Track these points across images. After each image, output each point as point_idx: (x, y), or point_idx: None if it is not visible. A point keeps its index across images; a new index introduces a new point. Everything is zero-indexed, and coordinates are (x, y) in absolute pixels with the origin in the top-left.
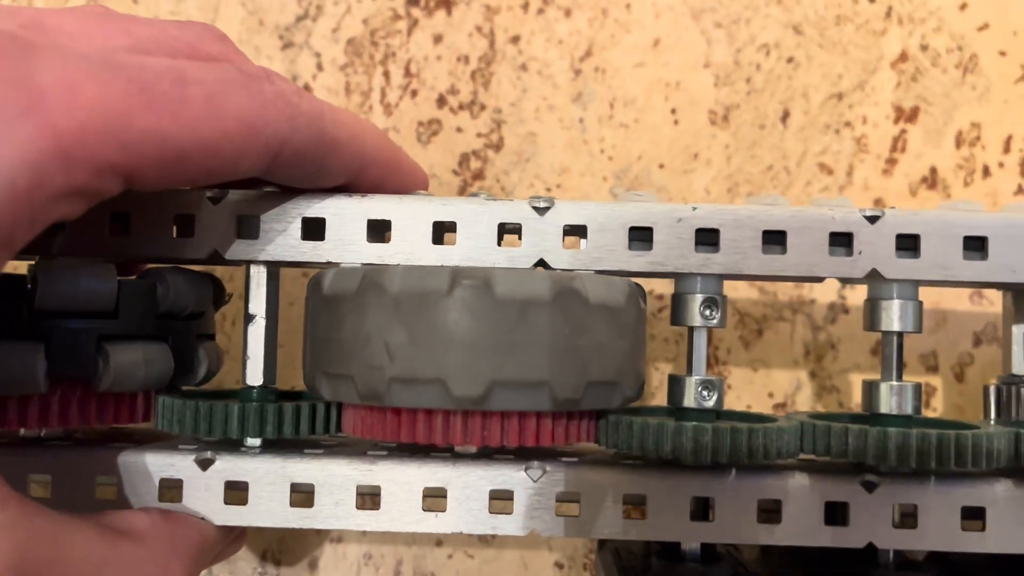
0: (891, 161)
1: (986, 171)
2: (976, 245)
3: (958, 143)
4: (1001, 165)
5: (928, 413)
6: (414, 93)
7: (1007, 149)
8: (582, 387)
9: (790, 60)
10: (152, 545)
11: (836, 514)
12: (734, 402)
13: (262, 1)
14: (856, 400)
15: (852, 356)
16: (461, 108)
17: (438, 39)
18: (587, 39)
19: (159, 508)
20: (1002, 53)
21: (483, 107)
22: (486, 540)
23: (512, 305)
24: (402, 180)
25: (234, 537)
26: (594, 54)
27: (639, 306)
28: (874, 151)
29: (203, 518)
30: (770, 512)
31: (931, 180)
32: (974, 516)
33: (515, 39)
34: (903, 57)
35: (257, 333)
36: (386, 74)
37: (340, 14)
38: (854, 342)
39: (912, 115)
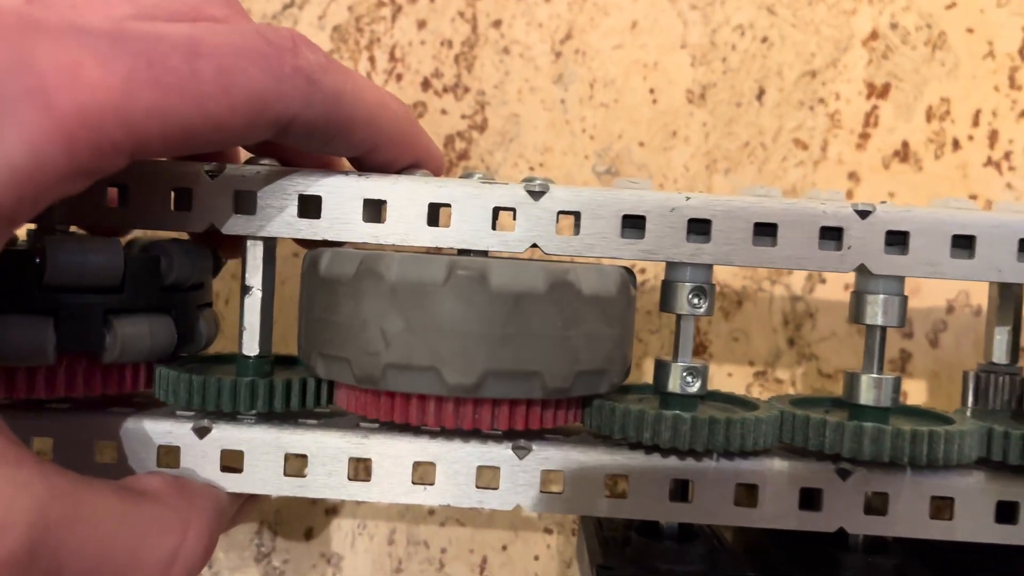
0: (864, 136)
1: (956, 144)
2: (964, 243)
3: (928, 117)
4: (971, 138)
5: (905, 379)
6: (399, 77)
7: (976, 123)
8: (572, 376)
9: (764, 40)
10: (171, 503)
11: (810, 499)
12: (716, 371)
13: None
14: (834, 365)
15: (830, 324)
16: (445, 91)
17: (422, 24)
18: (567, 22)
19: (172, 473)
20: (969, 30)
21: (467, 89)
22: (477, 508)
23: (507, 297)
24: (414, 163)
25: (244, 500)
26: (574, 37)
27: (629, 293)
28: (847, 126)
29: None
30: (747, 496)
31: (903, 154)
32: (943, 506)
33: (497, 23)
34: (874, 35)
35: (253, 305)
36: (371, 59)
37: (326, 2)
38: (831, 310)
39: (883, 91)
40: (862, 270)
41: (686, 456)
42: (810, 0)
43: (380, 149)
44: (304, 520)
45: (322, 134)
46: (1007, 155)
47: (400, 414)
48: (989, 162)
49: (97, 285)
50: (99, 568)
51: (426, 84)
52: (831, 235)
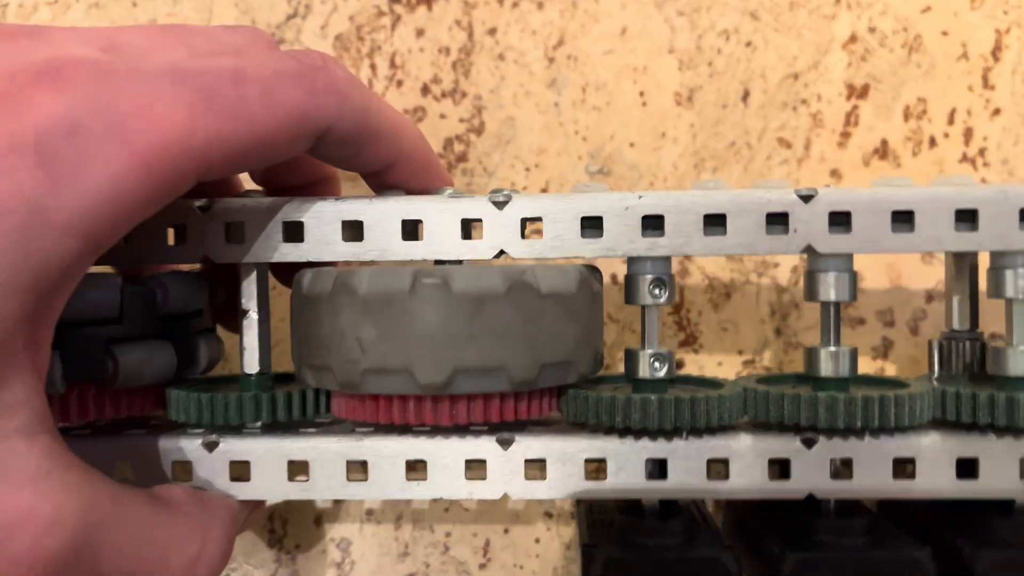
0: (845, 135)
1: (932, 141)
2: (904, 219)
3: (906, 116)
4: (946, 135)
5: (887, 364)
6: (399, 83)
7: (951, 121)
8: (537, 369)
9: (748, 44)
10: (192, 512)
11: (779, 469)
12: (706, 360)
13: (254, 1)
14: None
15: (815, 314)
16: (444, 96)
17: (420, 33)
18: (559, 29)
19: (190, 485)
20: (944, 33)
21: (464, 94)
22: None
23: (469, 300)
24: (428, 181)
25: (253, 508)
26: (566, 43)
27: (592, 289)
28: (829, 126)
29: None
30: (719, 470)
31: (882, 151)
32: (904, 466)
33: (492, 31)
34: (853, 39)
35: (251, 326)
36: (373, 67)
37: (328, 12)
38: None
39: (863, 92)
40: (809, 251)
41: (657, 436)
42: (791, 6)
43: (401, 163)
44: (314, 508)
45: (354, 143)
46: (981, 151)
47: (384, 415)
48: (964, 158)
49: (97, 318)
50: (132, 569)
51: (425, 90)
52: (777, 220)
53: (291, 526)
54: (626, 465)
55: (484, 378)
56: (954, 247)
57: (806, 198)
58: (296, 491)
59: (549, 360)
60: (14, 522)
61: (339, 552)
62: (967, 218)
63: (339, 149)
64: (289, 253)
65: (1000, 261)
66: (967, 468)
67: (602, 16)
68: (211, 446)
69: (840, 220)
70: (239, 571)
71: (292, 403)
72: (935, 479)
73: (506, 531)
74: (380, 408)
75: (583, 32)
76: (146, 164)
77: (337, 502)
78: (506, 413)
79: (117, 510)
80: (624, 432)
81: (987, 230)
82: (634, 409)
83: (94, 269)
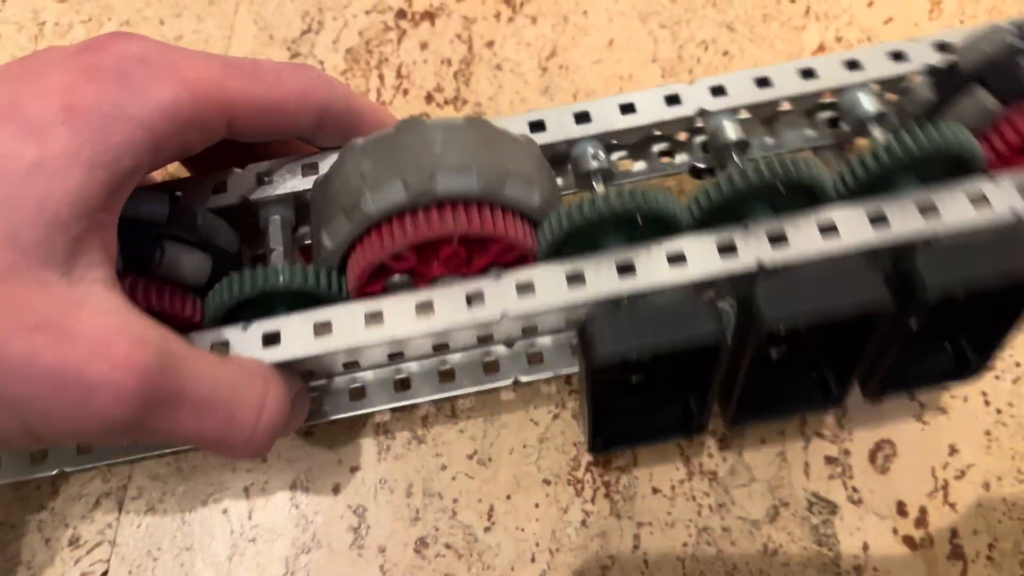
0: None
1: None
2: (763, 82)
3: None
4: None
5: None
6: (405, 92)
7: None
8: (503, 176)
9: (725, 53)
10: (253, 366)
11: (727, 251)
12: None
13: (271, 19)
14: None
15: None
16: (447, 103)
17: (424, 46)
18: (551, 42)
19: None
20: None
21: (465, 101)
22: (484, 463)
23: (439, 128)
24: None
25: (297, 391)
26: (558, 54)
27: (541, 153)
28: None
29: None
30: (678, 260)
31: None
32: (829, 228)
33: (490, 44)
34: (821, 48)
35: (277, 259)
36: (381, 77)
37: (339, 28)
38: None
39: None
40: (702, 112)
41: (626, 246)
42: (765, 18)
43: None
44: (332, 478)
45: (346, 122)
46: None
47: (388, 241)
48: None
49: (150, 219)
50: (212, 399)
51: (429, 97)
52: (674, 100)
53: (312, 495)
54: (601, 269)
55: (458, 176)
56: (801, 90)
57: (690, 83)
58: (319, 346)
59: (512, 171)
60: (107, 337)
61: (355, 518)
62: (809, 75)
63: (336, 128)
64: (307, 183)
65: (843, 99)
66: (877, 220)
67: (591, 29)
68: (245, 327)
69: (719, 91)
70: (263, 537)
71: (319, 274)
72: (856, 233)
73: (508, 497)
74: (383, 237)
75: (573, 44)
76: (193, 91)
77: (353, 470)
78: (485, 223)
79: (191, 350)
80: (597, 248)
81: (824, 76)
82: (598, 200)
83: None
